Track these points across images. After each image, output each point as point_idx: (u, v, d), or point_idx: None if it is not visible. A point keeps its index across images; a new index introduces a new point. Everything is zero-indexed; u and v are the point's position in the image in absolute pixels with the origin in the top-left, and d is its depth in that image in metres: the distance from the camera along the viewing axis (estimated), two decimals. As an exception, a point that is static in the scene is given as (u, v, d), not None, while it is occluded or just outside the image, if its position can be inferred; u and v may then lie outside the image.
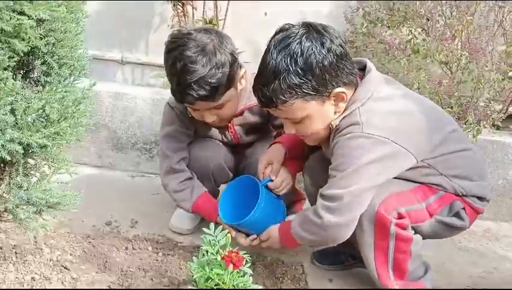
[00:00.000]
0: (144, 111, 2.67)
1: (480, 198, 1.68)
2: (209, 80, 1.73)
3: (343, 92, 1.54)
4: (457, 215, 1.65)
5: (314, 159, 1.91)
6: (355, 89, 1.58)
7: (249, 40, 2.83)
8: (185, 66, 1.72)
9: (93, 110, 2.38)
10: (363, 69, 1.64)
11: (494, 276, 2.04)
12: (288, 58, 1.46)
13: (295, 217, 1.71)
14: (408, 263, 1.60)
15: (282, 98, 1.50)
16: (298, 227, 1.65)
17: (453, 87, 2.46)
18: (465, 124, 2.42)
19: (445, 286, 1.88)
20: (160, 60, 3.03)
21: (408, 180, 1.62)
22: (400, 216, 1.56)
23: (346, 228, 1.55)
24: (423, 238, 1.64)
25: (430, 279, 1.68)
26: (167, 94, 2.72)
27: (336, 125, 1.58)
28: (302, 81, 1.47)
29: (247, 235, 1.83)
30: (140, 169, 2.74)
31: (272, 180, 1.80)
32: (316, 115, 1.55)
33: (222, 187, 2.20)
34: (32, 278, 1.57)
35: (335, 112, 1.58)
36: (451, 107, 2.48)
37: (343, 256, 1.94)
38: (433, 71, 2.66)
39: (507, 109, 2.64)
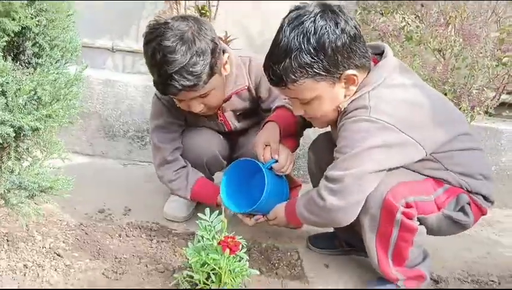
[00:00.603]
0: (135, 98, 2.64)
1: (485, 198, 1.66)
2: (191, 69, 1.68)
3: (355, 75, 1.51)
4: (462, 210, 1.62)
5: (320, 138, 1.89)
6: (368, 73, 1.55)
7: (241, 27, 2.81)
8: (164, 56, 1.67)
9: (84, 97, 2.35)
10: (380, 54, 1.61)
11: (488, 261, 2.05)
12: (301, 37, 1.44)
13: (300, 197, 1.69)
14: (409, 251, 1.59)
15: (293, 77, 1.47)
16: (302, 207, 1.63)
17: (447, 73, 2.45)
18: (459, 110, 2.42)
19: (439, 272, 1.88)
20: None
21: (414, 172, 1.60)
22: (408, 205, 1.53)
23: (348, 211, 1.53)
24: (428, 233, 1.61)
25: (428, 265, 1.68)
26: (159, 81, 2.69)
27: (344, 108, 1.55)
28: (313, 60, 1.45)
29: (252, 215, 1.82)
30: (133, 157, 2.71)
31: (276, 161, 1.76)
32: (325, 96, 1.53)
33: (217, 175, 2.19)
34: (25, 265, 1.55)
35: (345, 95, 1.55)
36: (445, 94, 2.48)
37: (337, 241, 1.94)
38: (427, 58, 2.65)
39: (500, 96, 2.65)
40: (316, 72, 1.46)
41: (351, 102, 1.54)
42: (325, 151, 1.78)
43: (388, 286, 1.64)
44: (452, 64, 2.52)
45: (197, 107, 1.84)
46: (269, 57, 1.52)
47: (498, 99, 2.59)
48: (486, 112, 2.53)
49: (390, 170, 1.53)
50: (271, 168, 1.77)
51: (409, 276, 1.63)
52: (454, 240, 2.11)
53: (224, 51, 1.85)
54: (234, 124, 2.06)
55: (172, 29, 1.69)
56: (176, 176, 1.99)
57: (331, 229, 1.94)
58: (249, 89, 1.98)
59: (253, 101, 2.02)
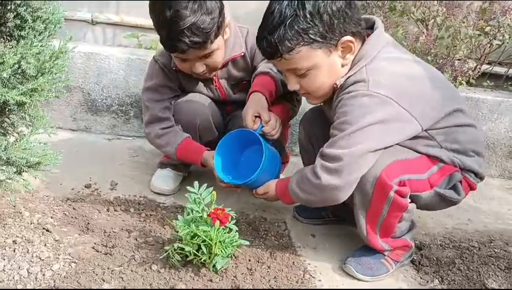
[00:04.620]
0: (118, 72, 2.59)
1: (476, 174, 1.67)
2: (202, 26, 1.71)
3: (352, 42, 1.48)
4: (454, 188, 1.64)
5: (311, 112, 1.88)
6: (362, 45, 1.53)
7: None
8: (176, 12, 1.69)
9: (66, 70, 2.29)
10: (370, 27, 1.59)
11: (469, 228, 2.11)
12: (295, 3, 1.41)
13: (293, 174, 1.66)
14: (396, 226, 1.61)
15: (289, 44, 1.44)
16: (295, 186, 1.60)
17: (430, 43, 2.47)
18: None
19: (422, 238, 1.94)
20: (133, 19, 2.95)
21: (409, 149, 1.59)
22: (402, 184, 1.53)
23: (343, 190, 1.50)
24: (417, 208, 1.63)
25: (414, 234, 1.72)
26: (142, 54, 2.66)
27: (341, 84, 1.53)
28: (309, 25, 1.42)
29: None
30: (117, 132, 2.69)
31: (263, 126, 1.77)
32: (322, 65, 1.49)
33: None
34: (14, 241, 1.53)
35: (342, 65, 1.52)
36: (428, 64, 2.50)
37: (324, 211, 1.97)
38: (410, 29, 2.66)
39: (481, 67, 2.68)
40: (312, 38, 1.43)
41: (348, 78, 1.52)
42: (316, 126, 1.77)
43: (374, 255, 1.67)
44: (435, 35, 2.54)
45: (200, 68, 1.87)
46: (263, 27, 1.49)
47: (479, 69, 2.62)
48: (467, 82, 2.57)
49: (386, 147, 1.51)
50: (262, 134, 1.77)
51: (395, 246, 1.66)
52: (436, 207, 2.18)
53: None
54: (229, 92, 2.07)
55: None
56: (164, 132, 1.99)
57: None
58: (244, 58, 1.99)
59: (248, 71, 2.03)
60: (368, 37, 1.55)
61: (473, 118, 1.70)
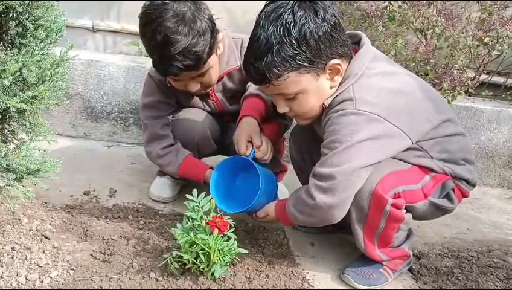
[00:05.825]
0: (118, 79, 2.61)
1: (468, 182, 1.68)
2: (193, 50, 1.69)
3: (339, 64, 1.48)
4: (447, 196, 1.64)
5: (300, 127, 1.88)
6: (349, 63, 1.53)
7: (224, 7, 2.78)
8: (166, 37, 1.67)
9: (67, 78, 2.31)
10: (357, 42, 1.59)
11: (468, 237, 2.12)
12: (281, 29, 1.40)
13: (290, 196, 1.65)
14: (394, 236, 1.61)
15: (276, 71, 1.43)
16: (292, 208, 1.60)
17: (430, 53, 2.48)
18: (440, 90, 2.46)
19: (421, 247, 1.94)
20: (133, 27, 2.96)
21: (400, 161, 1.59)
22: (396, 196, 1.54)
23: (339, 208, 1.50)
24: (412, 218, 1.63)
25: (410, 242, 1.72)
26: (142, 61, 2.68)
27: (329, 103, 1.53)
28: (296, 52, 1.41)
29: None
30: (116, 139, 2.70)
31: (255, 151, 1.76)
32: (310, 89, 1.50)
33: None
34: (12, 248, 1.53)
35: (330, 87, 1.52)
36: (427, 74, 2.51)
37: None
38: (409, 38, 2.68)
39: (480, 77, 2.69)
40: (299, 64, 1.43)
41: (335, 97, 1.52)
42: (306, 140, 1.77)
43: (373, 265, 1.67)
44: (434, 45, 2.55)
45: (194, 87, 1.86)
46: (249, 55, 1.48)
47: (478, 79, 2.63)
48: (466, 92, 2.58)
49: (377, 162, 1.50)
50: (254, 159, 1.75)
51: (394, 256, 1.67)
52: (435, 217, 2.18)
53: (217, 31, 1.85)
54: (226, 105, 2.06)
55: (173, 10, 1.69)
56: (164, 152, 1.98)
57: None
58: (240, 70, 1.97)
59: (245, 83, 2.01)
60: (355, 53, 1.56)
61: (461, 126, 1.70)
